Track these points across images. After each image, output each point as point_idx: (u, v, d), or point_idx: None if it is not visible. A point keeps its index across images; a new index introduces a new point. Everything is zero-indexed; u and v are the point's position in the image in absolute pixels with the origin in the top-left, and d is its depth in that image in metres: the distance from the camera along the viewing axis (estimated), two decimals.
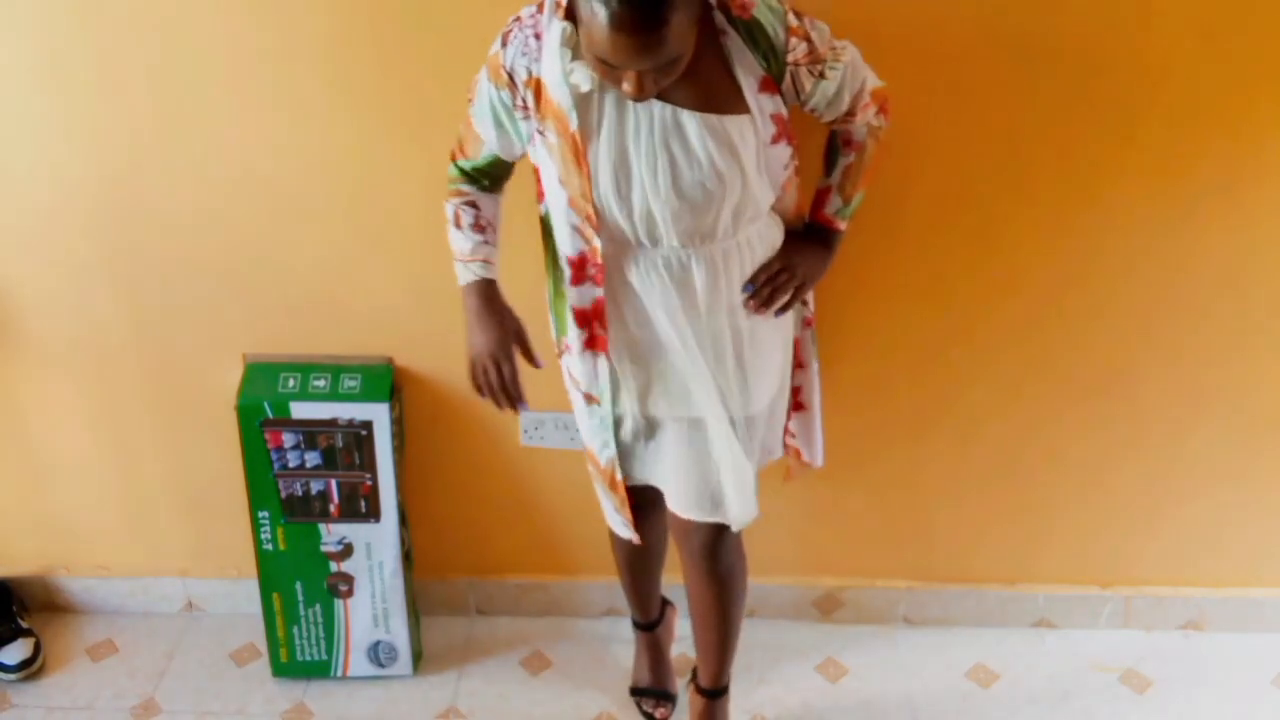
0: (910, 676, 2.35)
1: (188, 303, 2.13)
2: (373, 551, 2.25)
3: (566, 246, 1.66)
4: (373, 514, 2.22)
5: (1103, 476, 2.28)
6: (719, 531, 1.90)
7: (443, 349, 2.16)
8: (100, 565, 2.48)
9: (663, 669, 2.29)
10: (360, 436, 2.14)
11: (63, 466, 2.34)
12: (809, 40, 1.57)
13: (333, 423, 2.13)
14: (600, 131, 1.56)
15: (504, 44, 1.58)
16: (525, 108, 1.59)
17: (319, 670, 2.35)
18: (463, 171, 1.75)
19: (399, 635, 2.32)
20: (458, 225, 1.75)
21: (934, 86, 1.89)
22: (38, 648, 2.38)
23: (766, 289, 1.73)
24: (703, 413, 1.77)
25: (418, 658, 2.38)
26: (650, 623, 2.27)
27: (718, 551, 1.93)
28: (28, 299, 2.15)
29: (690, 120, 1.55)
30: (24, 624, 2.41)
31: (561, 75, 1.52)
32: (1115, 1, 1.81)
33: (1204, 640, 2.42)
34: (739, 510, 1.85)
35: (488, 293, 1.75)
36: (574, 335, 1.74)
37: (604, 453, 1.85)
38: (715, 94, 1.55)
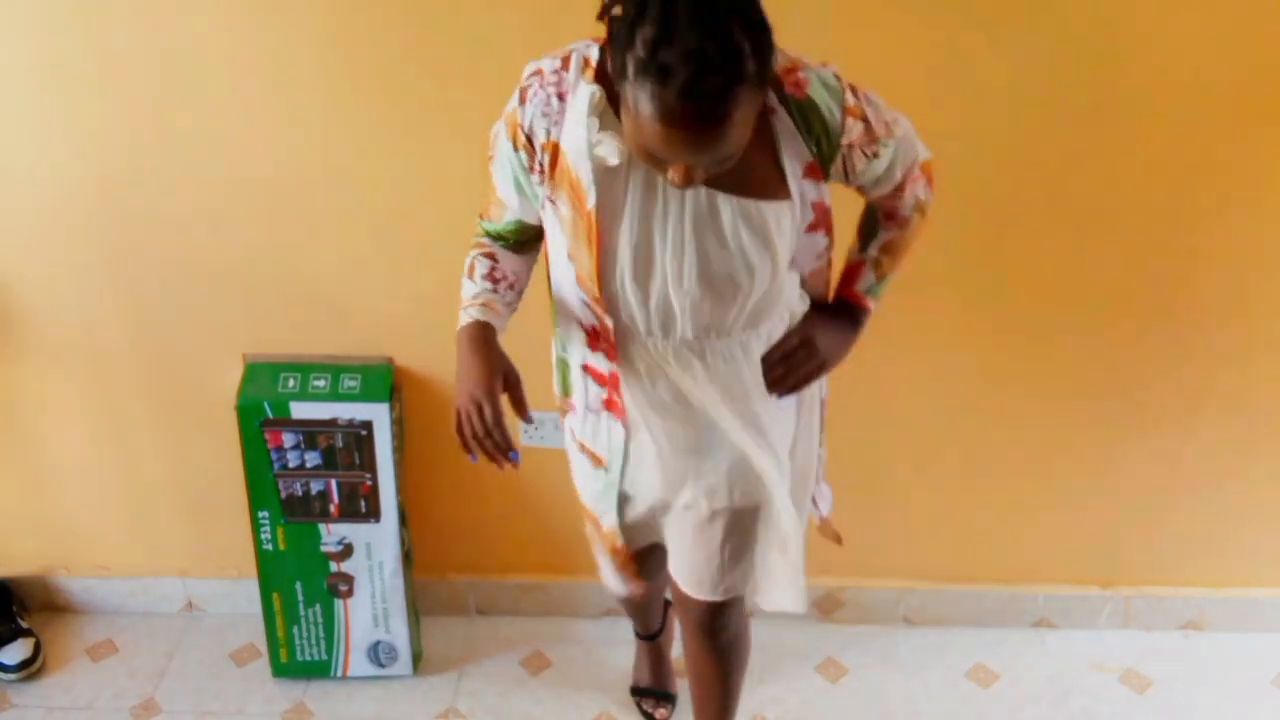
0: (910, 676, 2.35)
1: (188, 303, 2.13)
2: (373, 551, 2.25)
3: (580, 314, 1.54)
4: (373, 514, 2.22)
5: (1103, 476, 2.28)
6: (723, 605, 1.79)
7: (443, 349, 2.14)
8: (100, 565, 2.48)
9: (663, 670, 2.29)
10: (360, 436, 2.14)
11: (63, 466, 2.34)
12: (866, 120, 1.43)
13: (333, 423, 2.13)
14: (624, 212, 1.40)
15: (522, 101, 1.41)
16: (541, 171, 1.43)
17: (319, 670, 2.35)
18: (486, 231, 1.59)
19: (399, 635, 2.32)
20: (470, 275, 1.58)
21: (940, 84, 1.89)
22: (38, 648, 2.38)
23: (781, 367, 1.58)
24: (756, 498, 1.64)
25: (418, 658, 2.38)
26: (653, 633, 2.26)
27: (719, 625, 1.82)
28: (28, 299, 2.15)
29: (726, 205, 1.39)
30: (24, 624, 2.41)
31: (586, 146, 1.35)
32: (1119, 5, 1.81)
33: (1204, 640, 2.42)
34: (781, 598, 1.71)
35: (479, 335, 1.52)
36: (588, 395, 1.61)
37: (607, 518, 1.73)
38: (755, 176, 1.39)
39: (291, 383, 2.13)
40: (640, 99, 1.19)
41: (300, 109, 1.94)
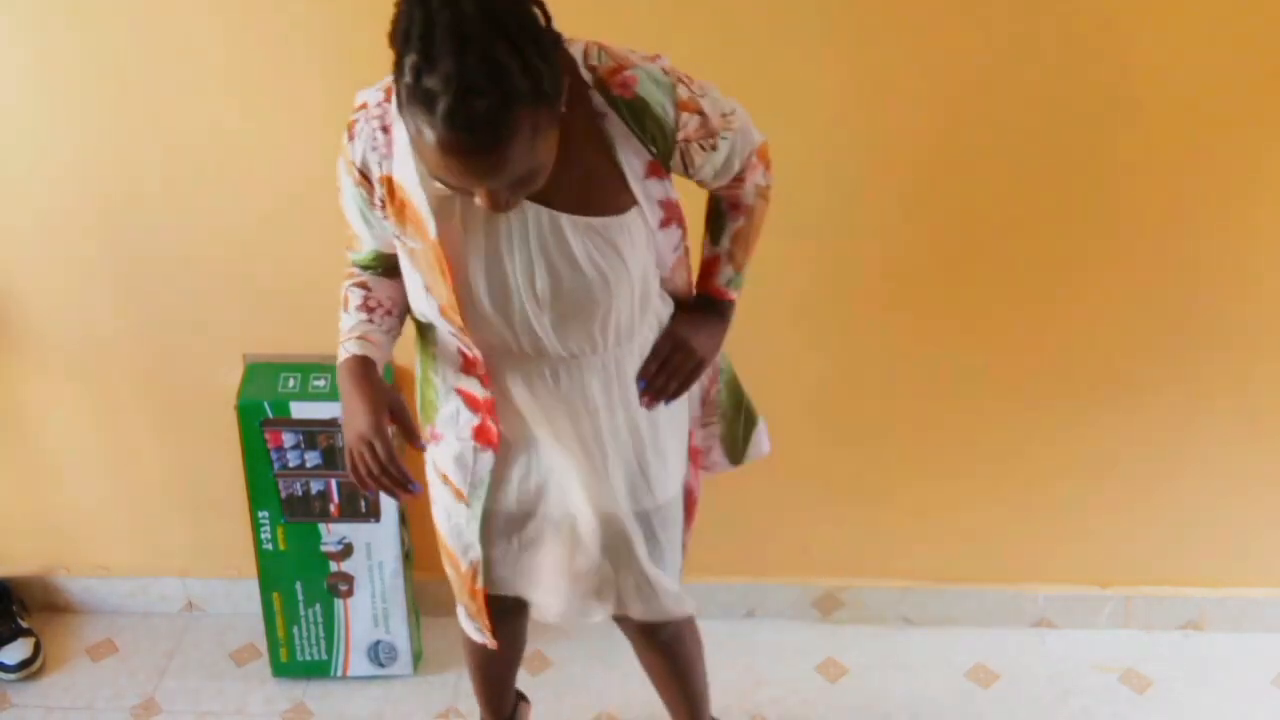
0: (910, 676, 2.35)
1: (188, 303, 2.13)
2: (373, 551, 2.25)
3: (450, 341, 1.50)
4: (373, 514, 2.21)
5: (1103, 476, 2.28)
6: (656, 628, 1.76)
7: None
8: (100, 565, 2.48)
9: None
10: None
11: (63, 466, 2.34)
12: (701, 113, 1.39)
13: (333, 423, 2.13)
14: (470, 238, 1.36)
15: (350, 137, 1.38)
16: (383, 205, 1.40)
17: (319, 670, 2.35)
18: (354, 261, 1.57)
19: (399, 635, 2.32)
20: (345, 307, 1.55)
21: (935, 88, 1.89)
22: (38, 648, 2.38)
23: (661, 377, 1.54)
24: (608, 509, 1.58)
25: (418, 658, 2.38)
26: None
27: (654, 625, 1.76)
28: (28, 299, 2.15)
29: (570, 226, 1.35)
30: (24, 624, 2.41)
31: (417, 176, 1.33)
32: (1118, 2, 1.81)
33: (1204, 640, 2.42)
34: (649, 608, 1.68)
35: (358, 370, 1.49)
36: (458, 421, 1.56)
37: (467, 556, 1.65)
38: (596, 187, 1.36)
39: (291, 383, 2.13)
40: (415, 127, 1.16)
41: (301, 109, 1.94)
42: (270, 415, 2.12)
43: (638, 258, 1.42)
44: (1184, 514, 2.32)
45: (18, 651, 2.35)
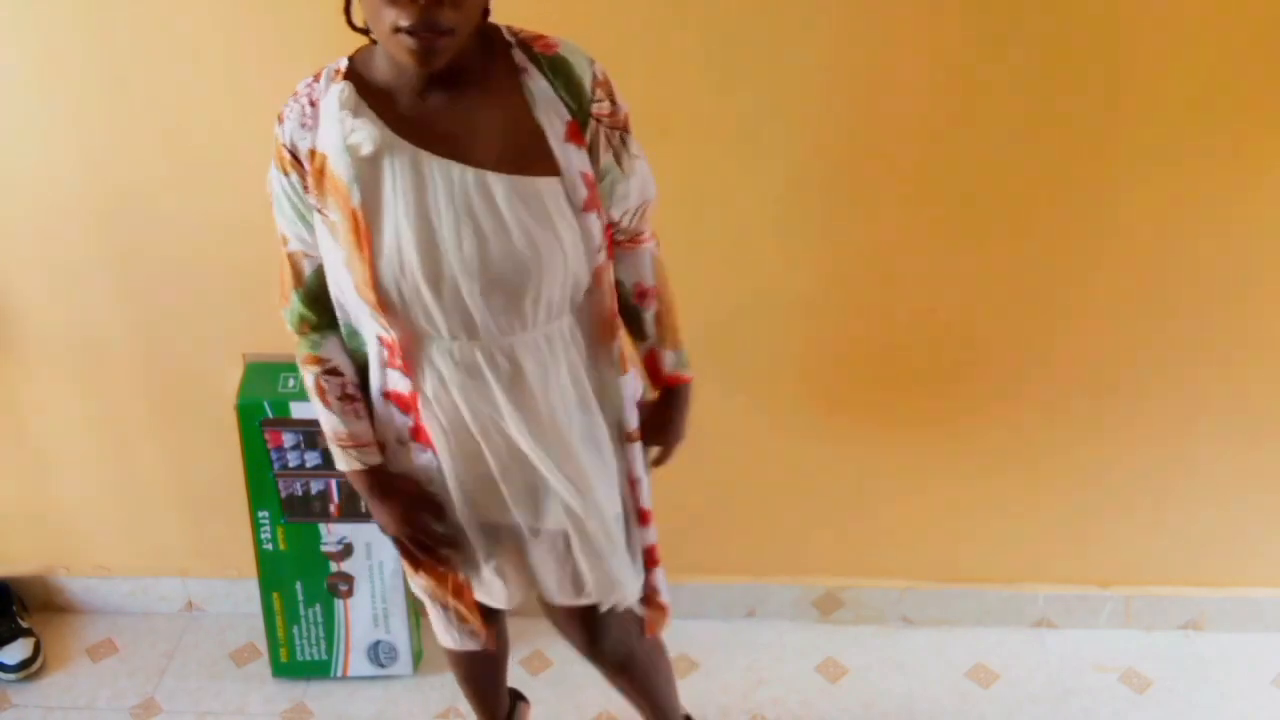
0: (910, 676, 2.35)
1: (188, 303, 2.13)
2: (373, 551, 2.25)
3: (374, 326, 1.48)
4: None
5: (1103, 476, 2.28)
6: (595, 617, 1.72)
7: None
8: (100, 565, 2.48)
9: None
10: None
11: (63, 466, 2.34)
12: (613, 100, 1.42)
13: None
14: (398, 204, 1.36)
15: (280, 122, 1.41)
16: (311, 189, 1.40)
17: (319, 670, 2.35)
18: (300, 318, 1.55)
19: (399, 635, 2.32)
20: (324, 401, 1.55)
21: (938, 85, 1.89)
22: (38, 648, 2.38)
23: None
24: (556, 520, 1.58)
25: (418, 658, 2.38)
26: None
27: (600, 638, 1.76)
28: (28, 299, 2.15)
29: (498, 184, 1.35)
30: (24, 624, 2.41)
31: (340, 142, 1.35)
32: (1117, 1, 1.81)
33: (1204, 640, 2.42)
34: (608, 592, 1.66)
35: (376, 485, 1.58)
36: (395, 425, 1.55)
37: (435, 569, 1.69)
38: (520, 148, 1.37)
39: (291, 383, 2.13)
40: None
41: None
42: (270, 415, 2.12)
43: (568, 230, 1.40)
44: (1184, 514, 2.32)
45: (18, 651, 2.35)
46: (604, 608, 1.69)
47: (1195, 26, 1.82)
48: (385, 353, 1.50)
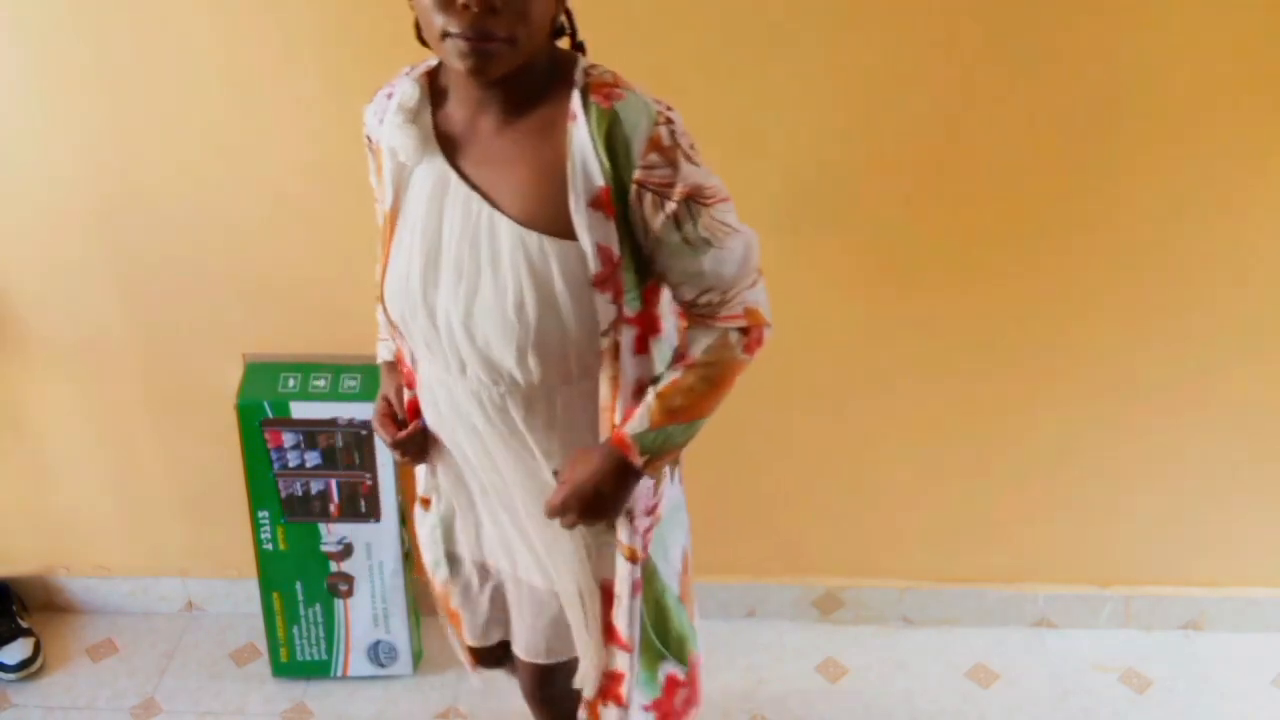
0: (910, 676, 2.35)
1: (188, 303, 2.13)
2: (373, 551, 2.25)
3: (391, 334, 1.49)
4: (373, 514, 2.21)
5: (1103, 476, 2.28)
6: (547, 670, 1.67)
7: None
8: (100, 565, 2.48)
9: None
10: (360, 436, 2.14)
11: (63, 466, 2.34)
12: (673, 165, 1.24)
13: (333, 423, 2.13)
14: (414, 215, 1.31)
15: (368, 109, 1.41)
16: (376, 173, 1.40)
17: (319, 670, 2.35)
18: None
19: (399, 635, 2.32)
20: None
21: (937, 86, 1.89)
22: (38, 648, 2.38)
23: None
24: (528, 573, 1.55)
25: (418, 658, 2.38)
26: None
27: (547, 684, 1.72)
28: (28, 299, 2.15)
29: (507, 232, 1.26)
30: (24, 624, 2.41)
31: (392, 144, 1.32)
32: (1114, 2, 1.81)
33: (1204, 640, 2.42)
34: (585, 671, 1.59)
35: (388, 372, 1.60)
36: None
37: (437, 573, 1.64)
38: (545, 201, 1.26)
39: (291, 383, 2.13)
40: None
41: (301, 109, 1.94)
42: (270, 415, 2.12)
43: (571, 302, 1.27)
44: (1184, 514, 2.32)
45: (18, 651, 2.35)
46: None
47: (1196, 24, 1.82)
48: (400, 365, 1.52)
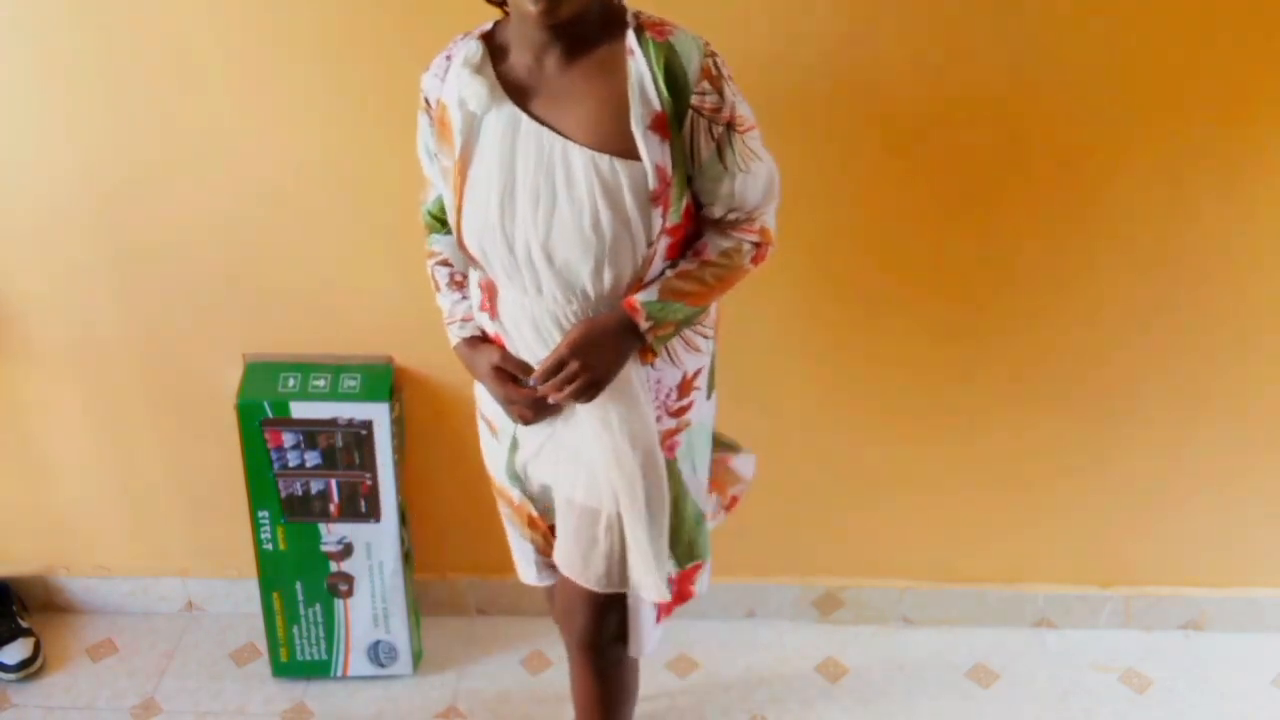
0: (910, 676, 2.35)
1: (188, 303, 2.13)
2: (373, 551, 2.25)
3: (471, 271, 1.62)
4: (373, 514, 2.21)
5: (1103, 477, 2.28)
6: (605, 613, 1.74)
7: (443, 349, 2.15)
8: (100, 565, 2.48)
9: None
10: (360, 436, 2.14)
11: (63, 466, 2.34)
12: (720, 94, 1.42)
13: (333, 423, 2.13)
14: (487, 157, 1.46)
15: (428, 68, 1.54)
16: (435, 131, 1.53)
17: (319, 670, 2.35)
18: (426, 215, 1.70)
19: (399, 635, 2.32)
20: (436, 288, 1.70)
21: (937, 84, 1.89)
22: (38, 648, 2.38)
23: (551, 382, 1.52)
24: (599, 499, 1.62)
25: (418, 658, 2.38)
26: None
27: (601, 638, 1.77)
28: (28, 299, 2.15)
29: (579, 157, 1.42)
30: (24, 624, 2.41)
31: (457, 95, 1.46)
32: (1116, 1, 1.81)
33: (1204, 640, 2.42)
34: (648, 587, 1.67)
35: (469, 346, 1.65)
36: None
37: (515, 490, 1.74)
38: (610, 127, 1.41)
39: (291, 383, 2.13)
40: None
41: (301, 109, 1.94)
42: (270, 415, 2.12)
43: (637, 215, 1.43)
44: (1184, 514, 2.32)
45: (18, 651, 2.35)
46: (621, 590, 1.71)
47: (1198, 22, 1.82)
48: (481, 295, 1.60)
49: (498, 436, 1.72)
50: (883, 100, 1.90)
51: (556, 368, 1.51)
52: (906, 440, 2.26)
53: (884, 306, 2.12)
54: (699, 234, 1.55)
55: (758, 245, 1.56)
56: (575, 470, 1.64)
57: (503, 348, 1.61)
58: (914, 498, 2.33)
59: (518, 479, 1.73)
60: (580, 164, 1.41)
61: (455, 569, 2.45)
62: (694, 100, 1.41)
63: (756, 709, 2.28)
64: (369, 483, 2.18)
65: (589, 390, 1.52)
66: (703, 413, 1.68)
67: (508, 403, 1.61)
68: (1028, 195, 1.99)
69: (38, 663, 2.36)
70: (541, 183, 1.43)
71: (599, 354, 1.51)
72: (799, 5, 1.82)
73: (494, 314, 1.59)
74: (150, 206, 2.04)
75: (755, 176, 1.50)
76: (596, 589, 1.70)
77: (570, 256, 1.45)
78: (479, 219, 1.48)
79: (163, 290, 2.12)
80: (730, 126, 1.44)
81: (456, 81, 1.46)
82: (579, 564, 1.70)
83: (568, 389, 1.51)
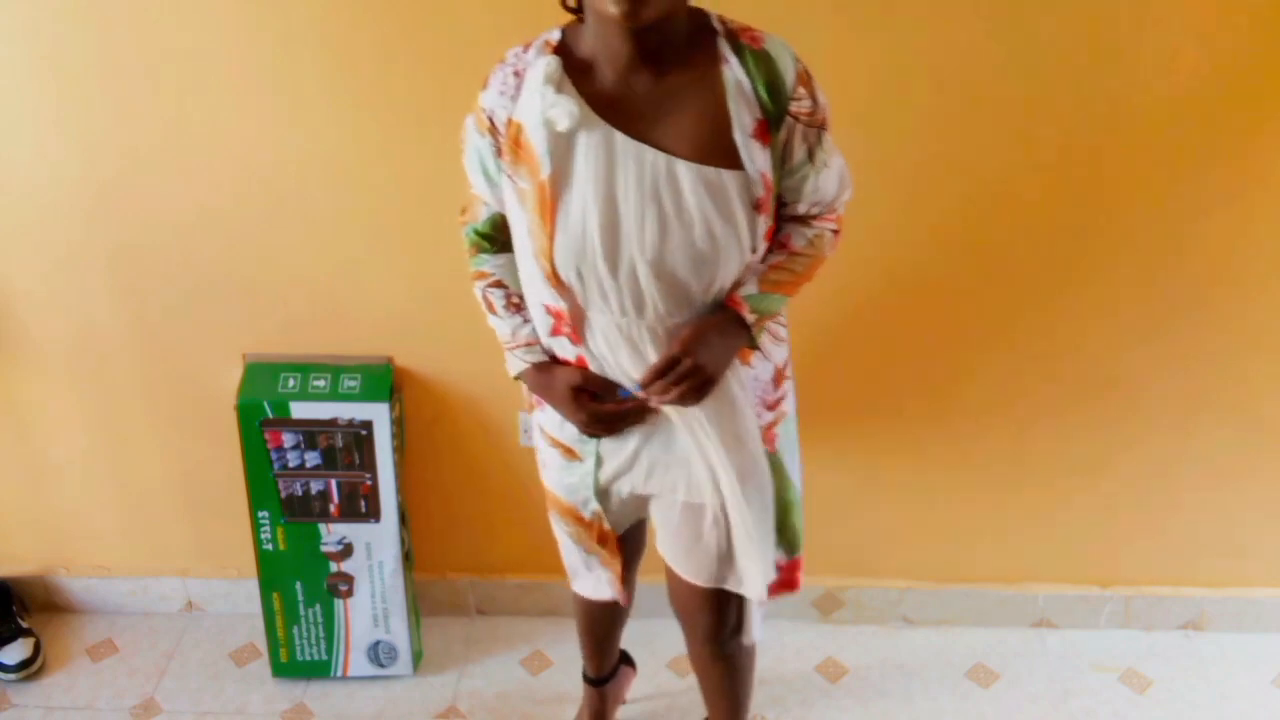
0: (910, 676, 2.35)
1: (188, 303, 2.14)
2: (373, 551, 2.25)
3: (543, 294, 1.53)
4: (373, 514, 2.22)
5: (1103, 477, 2.28)
6: (724, 608, 1.76)
7: (443, 349, 2.16)
8: (100, 565, 2.48)
9: None
10: (360, 436, 2.14)
11: (63, 466, 2.34)
12: (814, 99, 1.43)
13: (333, 423, 2.13)
14: (581, 179, 1.40)
15: (485, 87, 1.46)
16: (503, 153, 1.46)
17: (319, 670, 2.35)
18: (472, 241, 1.63)
19: (399, 635, 2.32)
20: (492, 311, 1.64)
21: (938, 84, 1.89)
22: (38, 648, 2.38)
23: (661, 383, 1.50)
24: (702, 495, 1.63)
25: (418, 658, 2.38)
26: (601, 678, 2.15)
27: (724, 632, 1.79)
28: (28, 299, 2.15)
29: (685, 172, 1.38)
30: (24, 624, 2.41)
31: (539, 115, 1.39)
32: (1118, 3, 1.81)
33: (1204, 640, 2.42)
34: (755, 578, 1.68)
35: (540, 374, 1.62)
36: None
37: (588, 508, 1.72)
38: (711, 138, 1.39)
39: (291, 383, 2.13)
40: None
41: (300, 109, 1.94)
42: (270, 415, 2.12)
43: (745, 224, 1.43)
44: (1184, 514, 2.32)
45: (18, 651, 2.35)
46: (730, 587, 1.72)
47: (1198, 20, 1.82)
48: (552, 321, 1.55)
49: (577, 458, 1.68)
50: (879, 104, 1.90)
51: (667, 368, 1.49)
52: (906, 440, 2.26)
53: (883, 307, 2.12)
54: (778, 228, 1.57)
55: (835, 232, 1.60)
56: (675, 472, 1.64)
57: (584, 369, 1.57)
58: (914, 498, 2.33)
59: (603, 495, 1.70)
60: (688, 179, 1.39)
61: (455, 569, 2.45)
62: (792, 107, 1.41)
63: (756, 709, 2.28)
64: (369, 483, 2.18)
65: (701, 389, 1.51)
66: (792, 401, 1.70)
67: (591, 420, 1.58)
68: (1029, 196, 1.99)
69: (38, 663, 2.36)
70: (648, 201, 1.39)
71: (709, 351, 1.49)
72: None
73: (578, 339, 1.53)
74: (150, 207, 2.04)
75: (833, 170, 1.52)
76: (706, 585, 1.72)
77: (682, 272, 1.43)
78: (575, 243, 1.42)
79: (163, 290, 2.13)
80: (822, 128, 1.45)
81: (538, 100, 1.39)
82: (688, 562, 1.71)
83: (675, 390, 1.49)
